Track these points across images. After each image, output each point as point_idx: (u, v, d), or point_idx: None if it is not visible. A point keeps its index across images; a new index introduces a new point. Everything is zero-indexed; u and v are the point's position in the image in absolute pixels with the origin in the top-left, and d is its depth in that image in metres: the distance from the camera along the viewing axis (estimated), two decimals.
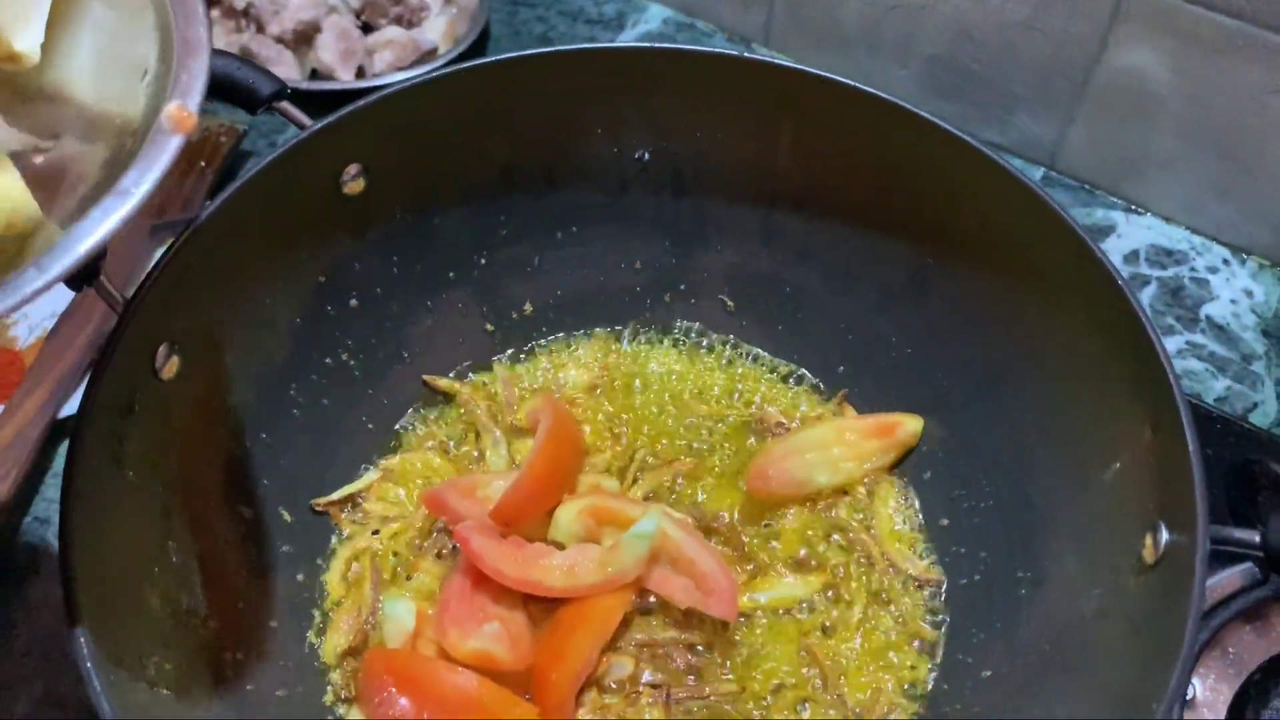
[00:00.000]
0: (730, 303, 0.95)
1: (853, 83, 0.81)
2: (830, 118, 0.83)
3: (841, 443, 0.86)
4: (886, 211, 0.86)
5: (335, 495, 0.84)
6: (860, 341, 0.91)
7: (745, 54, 0.84)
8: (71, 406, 0.94)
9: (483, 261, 0.91)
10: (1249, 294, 1.09)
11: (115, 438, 0.68)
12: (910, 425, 0.86)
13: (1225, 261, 1.11)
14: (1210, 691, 0.80)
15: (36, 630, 0.84)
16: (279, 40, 1.22)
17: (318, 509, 0.84)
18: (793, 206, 0.89)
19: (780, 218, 0.90)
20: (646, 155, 0.89)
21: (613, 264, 0.94)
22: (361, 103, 0.79)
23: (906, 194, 0.84)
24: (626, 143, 0.89)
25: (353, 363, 0.88)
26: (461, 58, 1.22)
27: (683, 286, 0.95)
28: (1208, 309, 1.08)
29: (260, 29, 1.23)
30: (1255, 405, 1.02)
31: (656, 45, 0.84)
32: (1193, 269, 1.11)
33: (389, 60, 1.21)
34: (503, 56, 0.83)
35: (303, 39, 1.23)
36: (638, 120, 0.87)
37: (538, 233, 0.92)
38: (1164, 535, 0.65)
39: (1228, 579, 0.83)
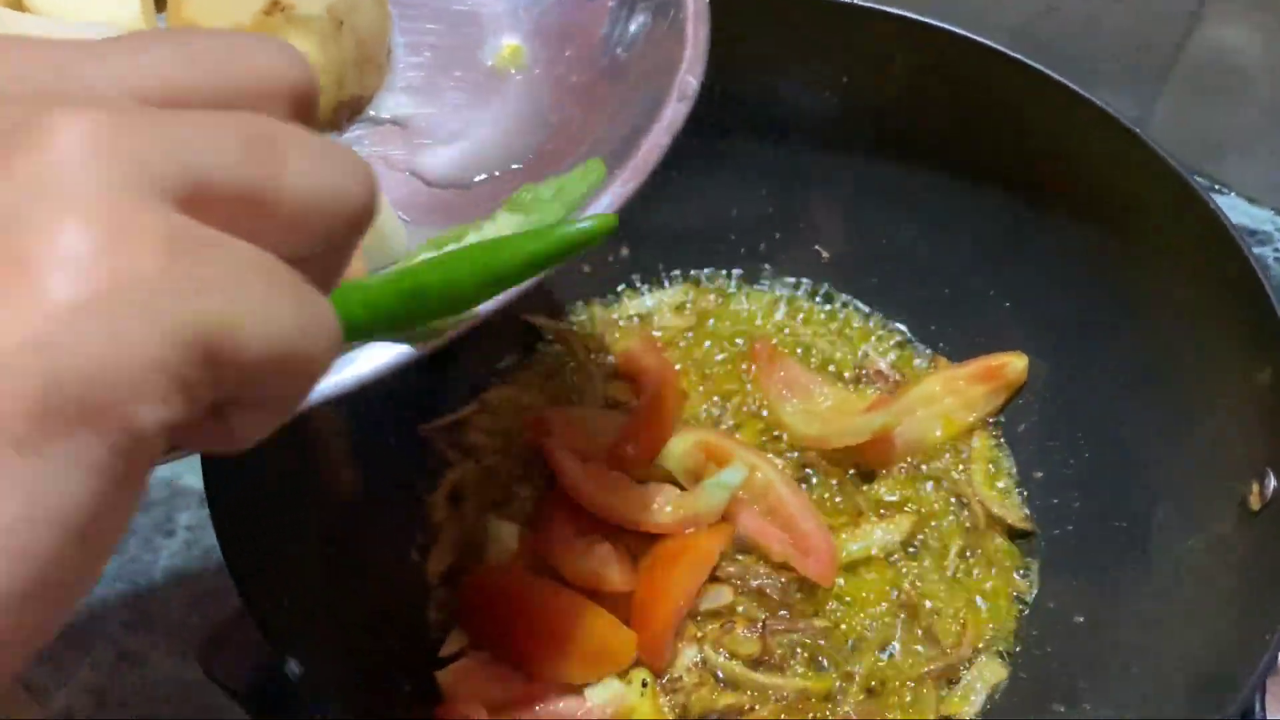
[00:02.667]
0: (825, 253, 0.96)
1: (956, 29, 0.82)
2: (933, 64, 0.84)
3: (952, 392, 0.86)
4: (985, 161, 0.86)
5: (439, 423, 0.86)
6: (956, 294, 0.91)
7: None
8: None
9: None
10: None
11: None
12: (1016, 364, 0.87)
13: None
14: None
15: None
16: None
17: (422, 434, 0.86)
18: (892, 156, 0.89)
19: (879, 167, 0.90)
20: (750, 99, 0.89)
21: (709, 209, 0.95)
22: None
23: (1006, 142, 0.84)
24: (725, 85, 0.89)
25: None
26: None
27: (778, 235, 0.96)
28: None
29: None
30: None
31: None
32: (1276, 249, 1.11)
33: None
34: None
35: None
36: (737, 63, 0.88)
37: None
38: (1272, 482, 0.66)
39: None
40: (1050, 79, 0.81)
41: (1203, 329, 0.75)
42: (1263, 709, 0.67)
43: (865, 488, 0.86)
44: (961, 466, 0.86)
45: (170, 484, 0.96)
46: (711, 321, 0.95)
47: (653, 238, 0.95)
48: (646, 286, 0.96)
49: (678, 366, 0.91)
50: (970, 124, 0.86)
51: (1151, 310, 0.79)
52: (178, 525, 0.96)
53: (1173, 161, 0.76)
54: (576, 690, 0.74)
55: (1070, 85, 0.80)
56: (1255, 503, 0.67)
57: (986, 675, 0.78)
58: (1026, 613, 0.80)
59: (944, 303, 0.92)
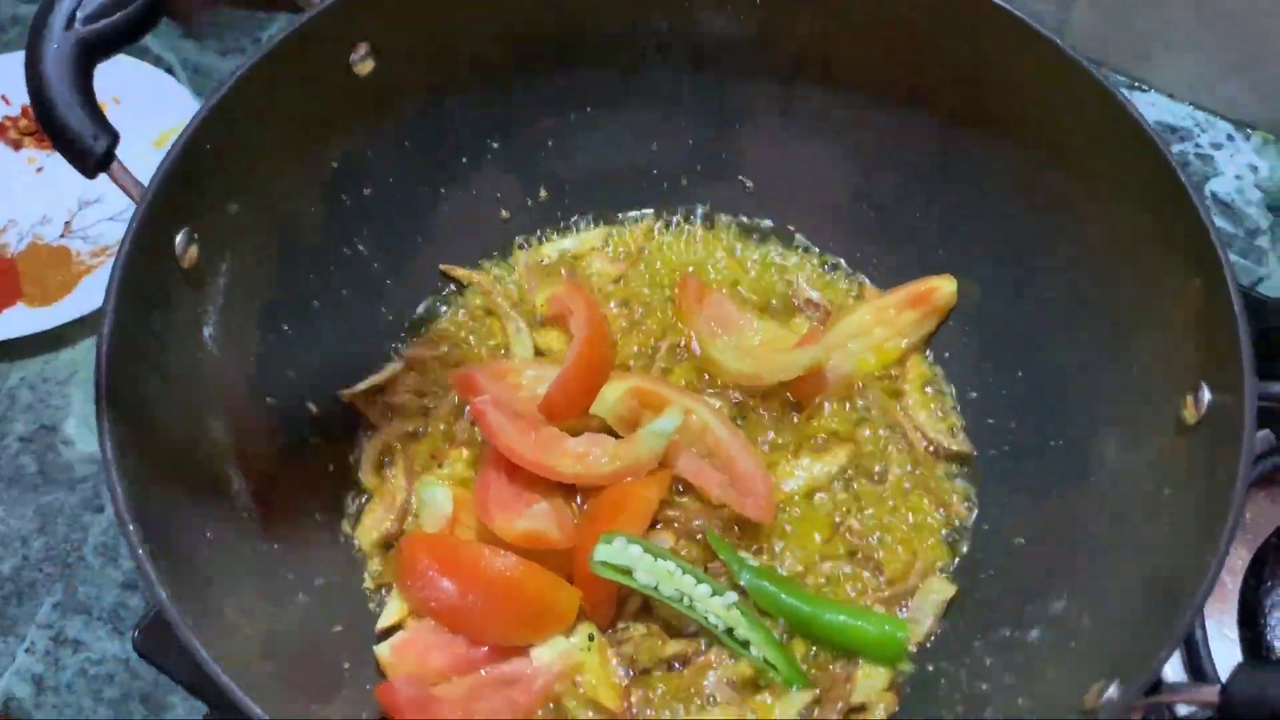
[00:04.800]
0: (749, 183, 0.93)
1: None
2: None
3: (882, 322, 0.85)
4: (909, 83, 0.84)
5: (361, 386, 0.83)
6: (884, 219, 0.90)
7: None
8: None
9: (495, 146, 0.89)
10: (1254, 169, 1.09)
11: (145, 329, 0.66)
12: (945, 287, 0.86)
13: (1229, 137, 1.11)
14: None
15: None
16: None
17: (345, 399, 0.83)
18: (814, 81, 0.87)
19: (801, 93, 0.88)
20: (663, 30, 0.86)
21: (628, 146, 0.92)
22: None
23: (928, 62, 0.82)
24: (642, 18, 0.86)
25: (369, 252, 0.86)
26: None
27: (699, 168, 0.93)
28: (1212, 185, 1.09)
29: None
30: (1261, 279, 1.03)
31: None
32: (1197, 145, 1.11)
33: None
34: None
35: None
36: None
37: (551, 114, 0.89)
38: (1206, 395, 0.65)
39: None
40: None
41: (1129, 239, 0.74)
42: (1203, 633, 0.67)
43: (802, 421, 0.85)
44: (897, 395, 0.85)
45: (97, 458, 0.93)
46: (641, 266, 0.92)
47: (571, 179, 0.92)
48: (568, 229, 0.93)
49: (608, 309, 0.89)
50: (891, 46, 0.83)
51: (1079, 224, 0.78)
52: (107, 500, 0.93)
53: (1085, 62, 0.73)
54: (522, 651, 0.73)
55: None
56: (1190, 416, 0.67)
57: (933, 599, 0.78)
58: (968, 542, 0.80)
59: (872, 229, 0.90)
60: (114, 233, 1.04)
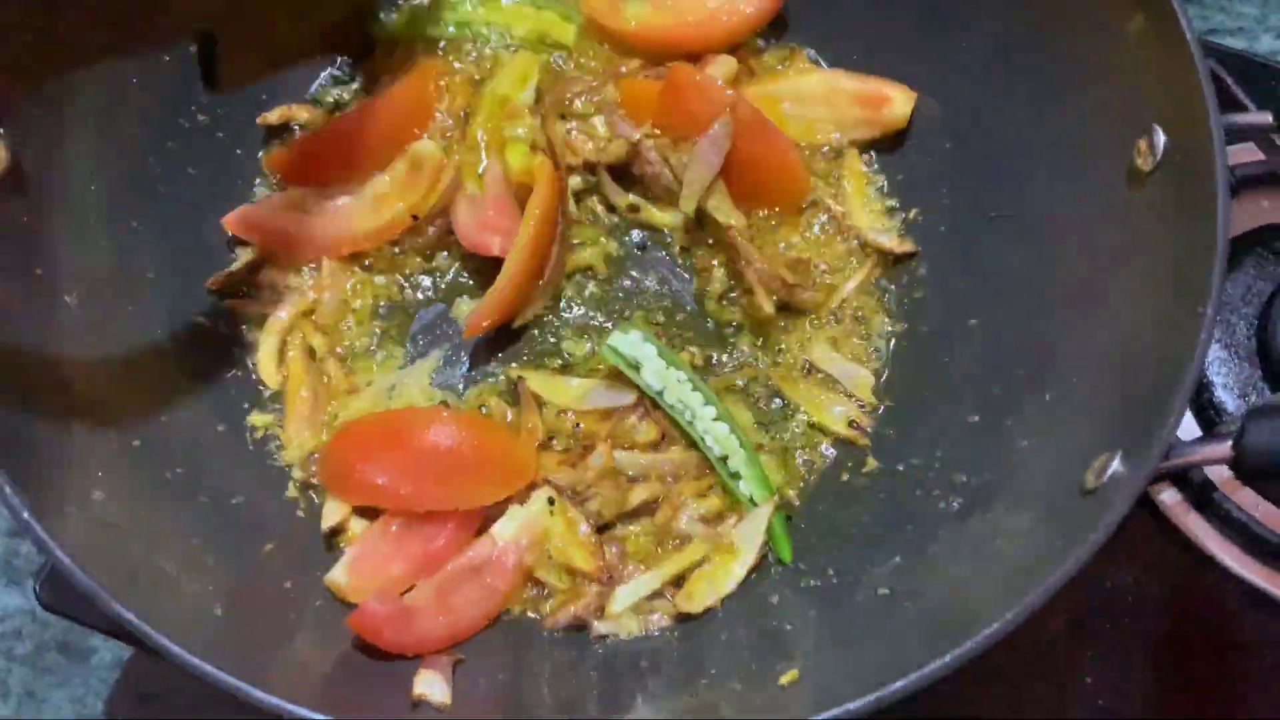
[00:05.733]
0: None
1: None
2: None
3: (827, 103, 0.78)
4: None
5: (220, 275, 0.73)
6: None
7: None
8: None
9: None
10: None
11: None
12: (900, 106, 0.78)
13: None
14: None
15: None
16: None
17: (212, 289, 0.73)
18: None
19: None
20: None
21: None
22: None
23: None
24: None
25: (208, 119, 0.75)
26: None
27: None
28: None
29: None
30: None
31: None
32: None
33: None
34: None
35: None
36: None
37: None
38: (1160, 138, 0.61)
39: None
40: None
41: None
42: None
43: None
44: (835, 194, 0.79)
45: None
46: None
47: None
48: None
49: None
50: None
51: None
52: None
53: None
54: (484, 533, 0.67)
55: None
56: (1145, 163, 0.63)
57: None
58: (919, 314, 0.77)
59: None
60: None
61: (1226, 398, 0.79)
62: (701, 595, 0.68)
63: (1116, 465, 0.56)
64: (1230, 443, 0.54)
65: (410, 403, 0.73)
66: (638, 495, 0.71)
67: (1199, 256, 0.57)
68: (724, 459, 0.70)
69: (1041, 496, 0.62)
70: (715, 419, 0.71)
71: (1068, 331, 0.66)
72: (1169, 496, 0.78)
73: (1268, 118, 0.59)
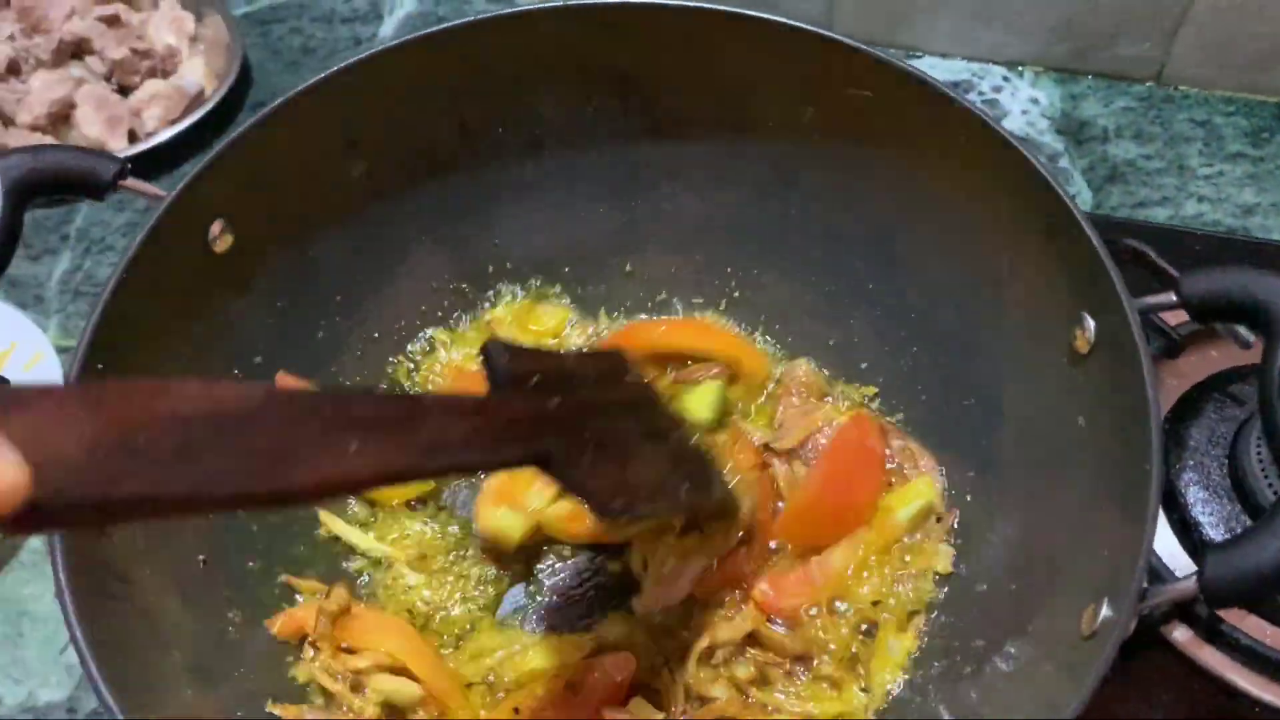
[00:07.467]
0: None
1: None
2: (625, 44, 0.85)
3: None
4: (732, 118, 0.88)
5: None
6: (736, 235, 0.94)
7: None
8: None
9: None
10: (1035, 101, 1.19)
11: None
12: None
13: (1005, 79, 1.21)
14: None
15: None
16: (34, 129, 1.14)
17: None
18: (642, 139, 0.90)
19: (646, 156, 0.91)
20: None
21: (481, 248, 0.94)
22: (212, 153, 0.75)
23: (729, 94, 0.86)
24: None
25: None
26: (231, 92, 1.17)
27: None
28: (1005, 125, 1.17)
29: (9, 123, 1.14)
30: (1073, 196, 1.12)
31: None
32: (980, 93, 1.20)
33: (159, 115, 1.15)
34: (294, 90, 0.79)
35: (59, 120, 1.15)
36: None
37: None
38: (1090, 323, 0.71)
39: None
40: (724, 13, 0.81)
41: (971, 201, 0.80)
42: None
43: None
44: None
45: None
46: None
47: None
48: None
49: None
50: (692, 86, 0.86)
51: (928, 205, 0.83)
52: None
53: (856, 43, 0.79)
54: None
55: (745, 12, 0.81)
56: (1083, 346, 0.72)
57: None
58: None
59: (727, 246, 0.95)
60: None
61: (1214, 534, 0.85)
62: None
63: (1106, 610, 0.63)
64: (1195, 580, 0.61)
65: None
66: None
67: (1138, 419, 0.66)
68: None
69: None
70: None
71: (1036, 497, 0.77)
72: (1181, 634, 0.83)
73: (1171, 296, 0.69)
